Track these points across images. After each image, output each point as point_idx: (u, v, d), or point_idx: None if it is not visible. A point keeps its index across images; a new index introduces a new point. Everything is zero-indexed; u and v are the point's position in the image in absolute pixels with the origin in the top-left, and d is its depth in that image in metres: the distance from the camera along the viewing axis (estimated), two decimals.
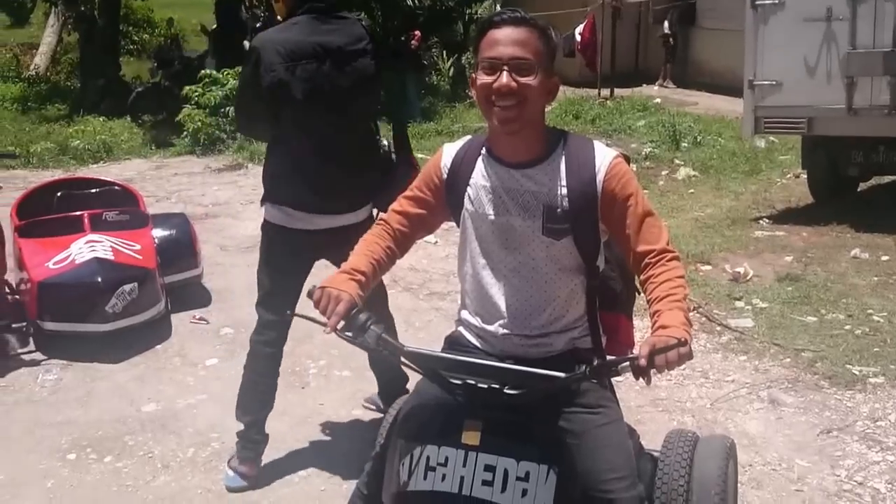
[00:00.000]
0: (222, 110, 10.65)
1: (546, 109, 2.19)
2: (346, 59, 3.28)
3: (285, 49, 3.18)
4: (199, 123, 10.52)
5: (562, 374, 1.97)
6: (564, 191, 2.13)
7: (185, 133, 10.76)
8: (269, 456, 3.61)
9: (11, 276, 4.99)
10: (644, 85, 15.38)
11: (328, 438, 3.78)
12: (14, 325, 4.72)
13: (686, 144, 10.22)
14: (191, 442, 3.76)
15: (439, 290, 5.52)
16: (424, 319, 5.01)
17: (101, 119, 12.01)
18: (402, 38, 12.96)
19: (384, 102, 12.01)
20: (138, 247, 5.01)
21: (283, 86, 3.18)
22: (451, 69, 15.10)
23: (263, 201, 3.42)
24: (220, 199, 8.30)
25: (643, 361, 1.86)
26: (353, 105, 3.33)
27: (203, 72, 11.15)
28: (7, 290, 4.87)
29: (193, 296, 5.43)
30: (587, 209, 2.13)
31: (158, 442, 3.77)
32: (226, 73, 10.94)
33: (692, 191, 8.35)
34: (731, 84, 12.69)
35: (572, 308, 2.22)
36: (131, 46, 20.74)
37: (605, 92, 14.06)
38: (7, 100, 13.97)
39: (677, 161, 9.52)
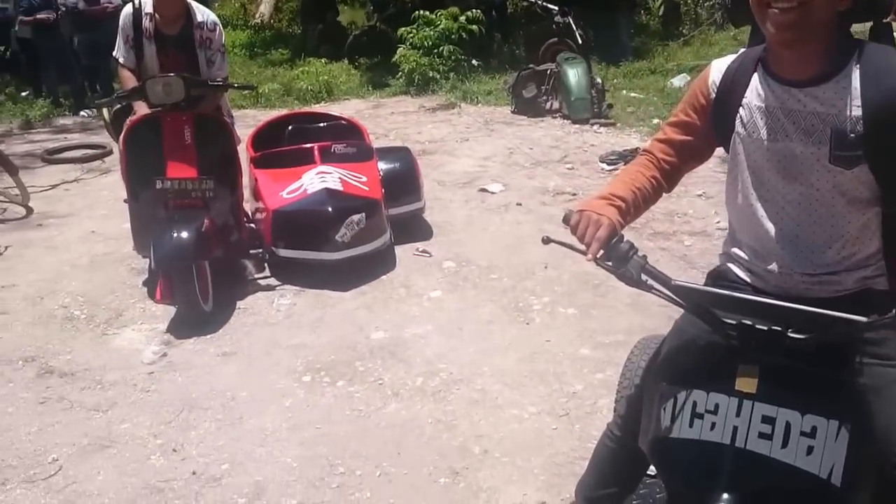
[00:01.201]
0: (436, 50, 10.73)
1: None
2: None
3: None
4: (414, 64, 10.66)
5: (863, 318, 1.71)
6: (859, 112, 1.80)
7: (399, 74, 10.94)
8: (496, 389, 3.58)
9: (247, 206, 5.22)
10: None
11: (556, 376, 3.66)
12: (251, 252, 4.94)
13: None
14: (419, 371, 3.77)
15: (663, 230, 5.24)
16: (651, 259, 4.73)
17: (321, 61, 12.47)
18: None
19: (595, 42, 11.64)
20: (365, 178, 5.07)
21: None
22: (662, 7, 14.37)
23: None
24: (436, 137, 8.34)
25: None
26: None
27: (417, 13, 11.26)
28: (245, 218, 5.10)
29: (416, 228, 5.47)
30: (888, 132, 1.80)
31: (388, 369, 3.81)
32: (439, 13, 10.97)
33: None
34: None
35: (865, 244, 1.92)
36: None
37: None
38: (237, 46, 14.77)
39: None
